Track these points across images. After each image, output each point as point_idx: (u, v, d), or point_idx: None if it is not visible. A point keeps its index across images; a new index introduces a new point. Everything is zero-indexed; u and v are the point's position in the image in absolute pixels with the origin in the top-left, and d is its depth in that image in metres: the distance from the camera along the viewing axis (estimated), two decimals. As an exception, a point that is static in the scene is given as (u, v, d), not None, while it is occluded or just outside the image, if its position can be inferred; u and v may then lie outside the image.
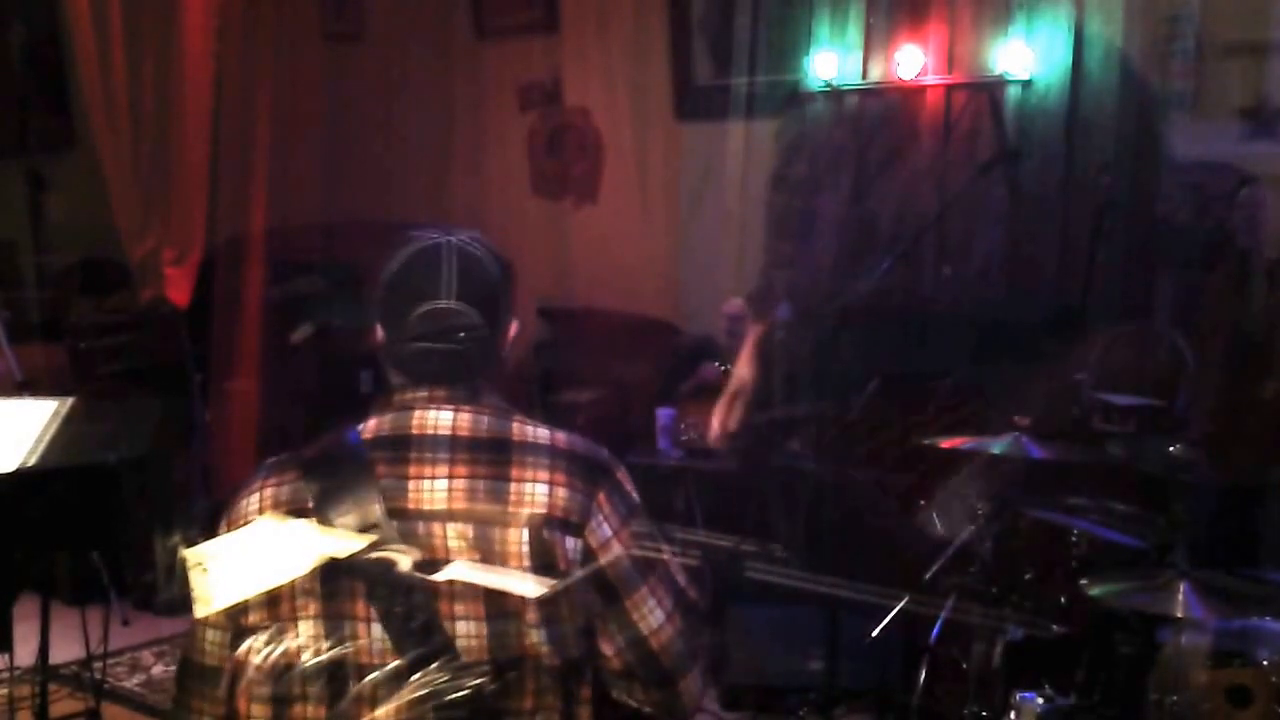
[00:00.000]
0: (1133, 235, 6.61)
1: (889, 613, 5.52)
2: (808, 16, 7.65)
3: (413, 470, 2.69)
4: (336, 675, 2.71)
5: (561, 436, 2.74)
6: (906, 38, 7.38)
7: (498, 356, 2.83)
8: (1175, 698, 4.43)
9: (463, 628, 2.63)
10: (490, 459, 2.68)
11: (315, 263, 8.44)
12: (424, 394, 2.77)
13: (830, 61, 7.62)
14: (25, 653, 5.41)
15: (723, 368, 6.90)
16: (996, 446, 5.17)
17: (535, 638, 2.62)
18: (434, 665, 2.66)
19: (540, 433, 2.74)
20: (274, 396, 8.02)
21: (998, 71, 7.12)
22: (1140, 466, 5.55)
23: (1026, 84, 7.06)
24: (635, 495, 2.76)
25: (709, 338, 7.44)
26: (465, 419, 2.73)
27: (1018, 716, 4.70)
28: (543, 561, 2.60)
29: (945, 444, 5.32)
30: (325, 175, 8.68)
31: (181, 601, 2.66)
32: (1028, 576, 5.22)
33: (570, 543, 2.63)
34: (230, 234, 7.97)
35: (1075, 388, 6.10)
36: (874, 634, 5.55)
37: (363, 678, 2.69)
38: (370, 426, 2.78)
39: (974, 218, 7.13)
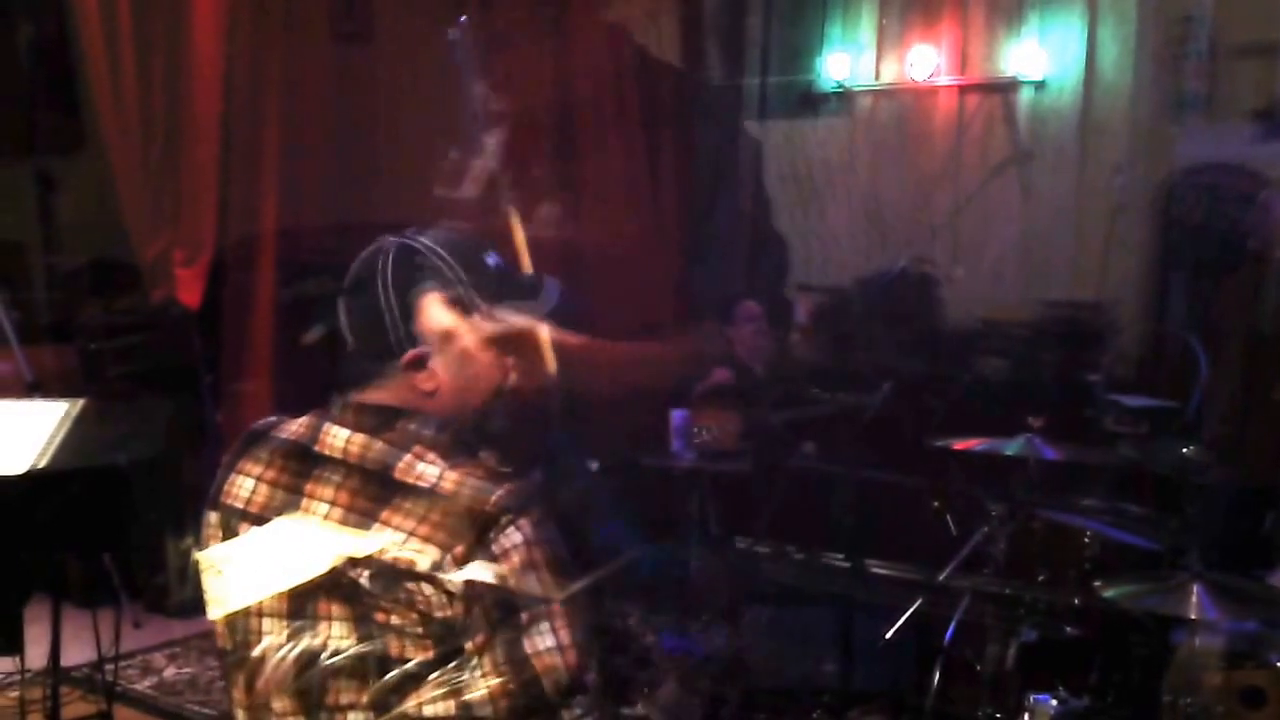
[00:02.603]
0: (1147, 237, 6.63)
1: (903, 614, 5.52)
2: (820, 17, 7.66)
3: (308, 487, 2.71)
4: (355, 673, 2.71)
5: (451, 479, 2.62)
6: (919, 38, 7.39)
7: (394, 372, 2.74)
8: (1189, 699, 4.43)
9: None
10: (370, 493, 2.66)
11: (326, 263, 8.41)
12: (338, 404, 2.77)
13: (843, 62, 7.63)
14: (37, 655, 5.40)
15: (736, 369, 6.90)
16: (1010, 448, 5.17)
17: None
18: (453, 664, 2.66)
19: (429, 473, 2.64)
20: (285, 398, 8.00)
21: (1011, 73, 7.13)
22: (1153, 468, 5.55)
23: (1040, 85, 7.07)
24: (521, 552, 2.57)
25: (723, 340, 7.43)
26: (359, 442, 2.72)
27: (1032, 718, 4.69)
28: (402, 603, 2.56)
29: (958, 445, 5.31)
30: (336, 175, 8.66)
31: (194, 603, 2.66)
32: (1041, 578, 5.21)
33: (427, 589, 2.55)
34: (241, 235, 7.95)
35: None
36: (888, 636, 5.55)
37: (384, 674, 2.69)
38: (296, 426, 2.81)
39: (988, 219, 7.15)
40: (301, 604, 2.70)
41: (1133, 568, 5.02)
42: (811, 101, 7.81)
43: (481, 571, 2.53)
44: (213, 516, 2.83)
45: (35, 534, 5.07)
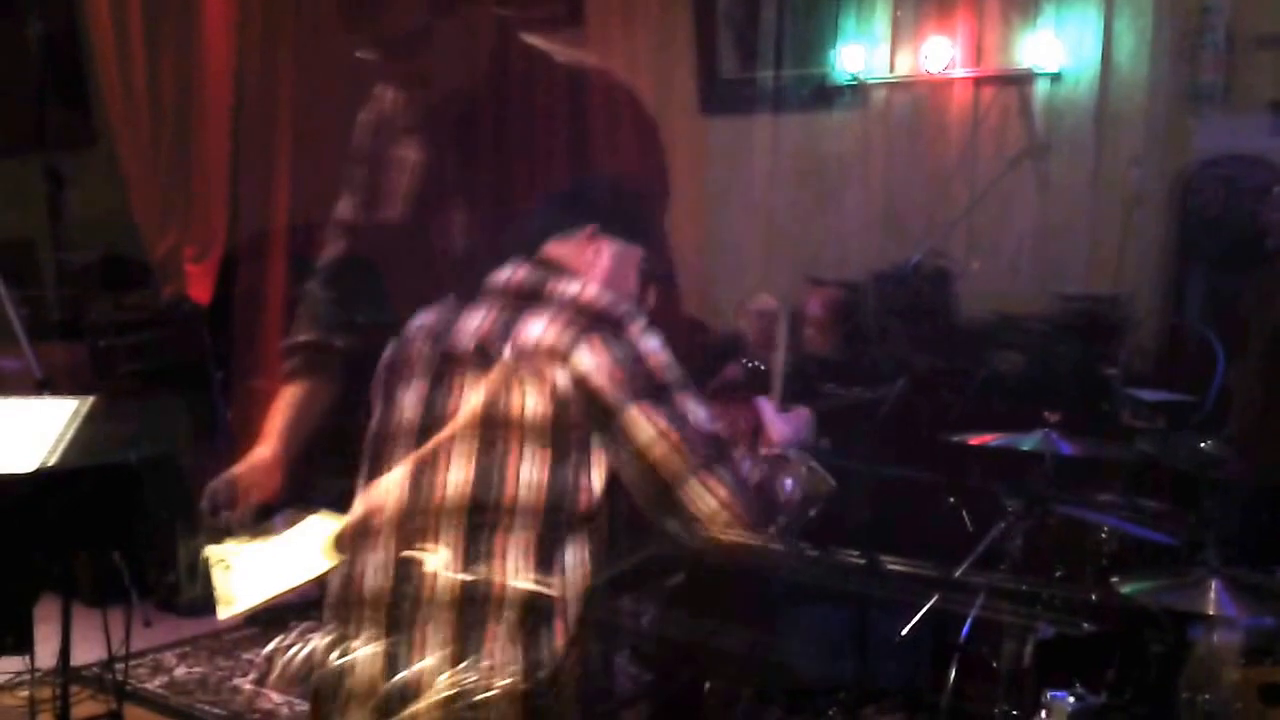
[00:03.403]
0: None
1: (919, 611, 5.49)
2: (834, 9, 7.63)
3: (468, 307, 3.16)
4: (365, 674, 2.71)
5: (591, 290, 3.10)
6: (934, 30, 7.36)
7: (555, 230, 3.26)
8: (1207, 696, 4.40)
9: (454, 474, 2.90)
10: (517, 304, 3.08)
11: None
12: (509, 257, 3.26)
13: (857, 54, 7.60)
14: (46, 654, 5.38)
15: (750, 364, 6.86)
16: (1026, 443, 5.14)
17: (521, 480, 2.89)
18: (463, 665, 2.65)
19: (573, 286, 3.10)
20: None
21: (1026, 64, 7.10)
22: (1171, 463, 5.51)
23: (1056, 77, 7.04)
24: (647, 348, 2.99)
25: (737, 335, 7.39)
26: (520, 273, 3.18)
27: (1049, 715, 4.66)
28: (531, 386, 2.92)
29: (974, 440, 5.28)
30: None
31: (203, 602, 2.66)
32: (1058, 574, 5.18)
33: (556, 372, 2.91)
34: (252, 230, 7.94)
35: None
36: (904, 633, 5.52)
37: (394, 676, 2.69)
38: None
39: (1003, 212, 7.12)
40: (441, 375, 3.07)
41: (1150, 563, 5.00)
42: (826, 95, 7.80)
43: (626, 357, 2.95)
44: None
45: (45, 532, 5.06)
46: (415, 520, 2.90)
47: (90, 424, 5.00)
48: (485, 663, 2.70)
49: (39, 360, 6.25)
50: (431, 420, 3.00)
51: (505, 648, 2.76)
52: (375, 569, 2.91)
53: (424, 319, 3.21)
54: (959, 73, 7.33)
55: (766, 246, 7.90)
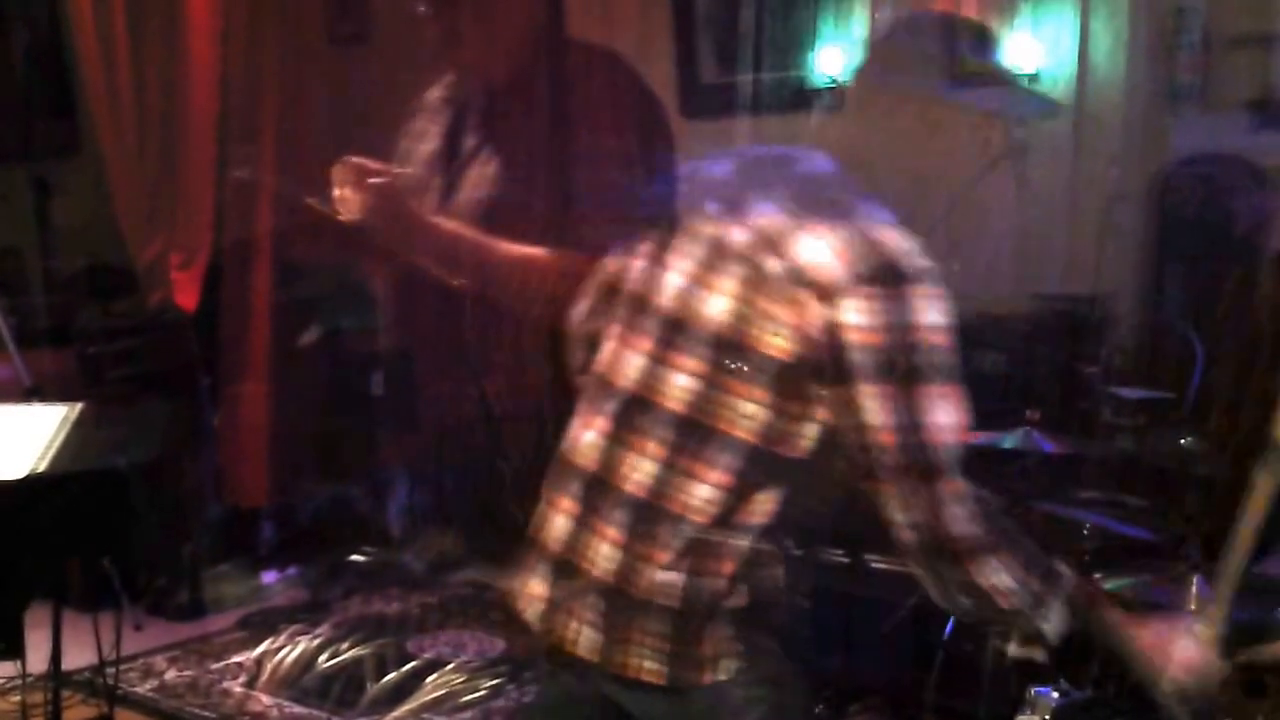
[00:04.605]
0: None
1: (902, 608, 5.52)
2: (812, 11, 7.64)
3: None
4: (355, 675, 2.75)
5: (888, 228, 2.83)
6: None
7: None
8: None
9: (683, 380, 2.77)
10: (806, 213, 2.80)
11: (323, 265, 8.39)
12: None
13: (835, 57, 7.61)
14: (38, 659, 5.39)
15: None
16: (1008, 441, 5.17)
17: (738, 412, 2.70)
18: (450, 666, 2.69)
19: (866, 210, 2.87)
20: (283, 400, 8.00)
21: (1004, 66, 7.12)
22: (1151, 460, 5.54)
23: (1033, 78, 7.05)
24: (922, 320, 2.68)
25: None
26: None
27: (1033, 711, 4.68)
28: (782, 312, 2.67)
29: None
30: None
31: (194, 606, 2.68)
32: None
33: (817, 308, 2.65)
34: (237, 237, 7.95)
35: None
36: (887, 630, 5.54)
37: (382, 678, 2.73)
38: None
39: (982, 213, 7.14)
40: (710, 260, 2.84)
41: (1132, 560, 5.02)
42: (805, 97, 7.80)
43: (896, 324, 2.63)
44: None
45: (35, 539, 5.08)
46: (635, 409, 2.83)
47: (79, 430, 5.03)
48: (655, 571, 2.74)
49: (27, 368, 6.26)
50: (686, 309, 2.82)
51: (671, 559, 2.75)
52: (590, 443, 2.89)
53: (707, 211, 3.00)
54: (937, 73, 7.34)
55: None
